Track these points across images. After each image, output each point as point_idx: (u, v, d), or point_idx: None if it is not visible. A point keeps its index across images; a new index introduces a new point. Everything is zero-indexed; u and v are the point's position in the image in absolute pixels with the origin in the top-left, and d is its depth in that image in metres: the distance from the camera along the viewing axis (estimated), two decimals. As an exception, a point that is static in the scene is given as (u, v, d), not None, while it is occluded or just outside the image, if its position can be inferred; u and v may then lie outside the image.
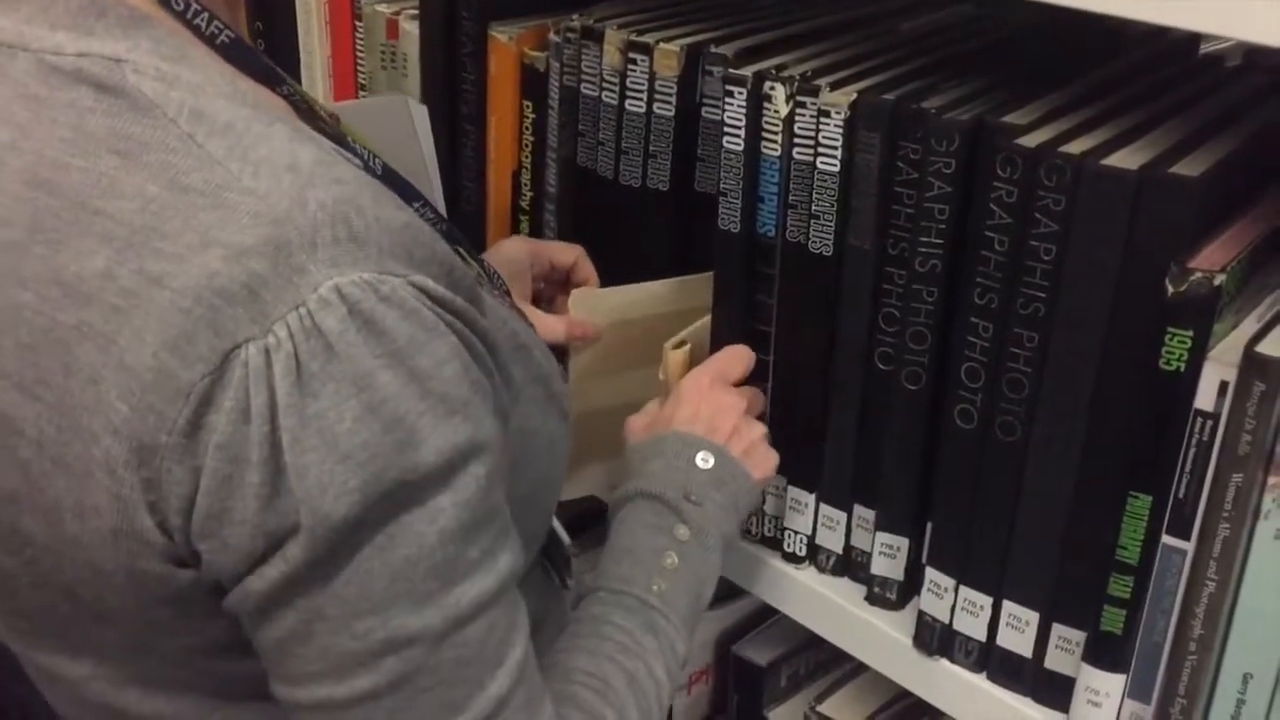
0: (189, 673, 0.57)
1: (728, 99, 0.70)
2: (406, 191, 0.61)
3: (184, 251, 0.47)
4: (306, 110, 0.58)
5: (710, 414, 0.73)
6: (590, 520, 0.90)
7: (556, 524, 0.73)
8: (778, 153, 0.70)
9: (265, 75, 0.56)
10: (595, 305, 0.80)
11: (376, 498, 0.48)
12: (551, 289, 0.86)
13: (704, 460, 0.71)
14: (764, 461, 0.74)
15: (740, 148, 0.71)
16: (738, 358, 0.76)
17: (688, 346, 0.76)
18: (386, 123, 0.77)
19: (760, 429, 0.74)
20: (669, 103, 0.75)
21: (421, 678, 0.51)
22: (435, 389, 0.49)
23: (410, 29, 0.90)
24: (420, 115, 0.79)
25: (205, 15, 0.54)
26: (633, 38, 0.76)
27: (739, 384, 0.75)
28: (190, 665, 0.56)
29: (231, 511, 0.48)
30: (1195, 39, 0.81)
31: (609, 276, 0.83)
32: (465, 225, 0.91)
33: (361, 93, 0.96)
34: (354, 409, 0.47)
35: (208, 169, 0.49)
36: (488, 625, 0.53)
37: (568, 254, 0.84)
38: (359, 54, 0.95)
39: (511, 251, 0.83)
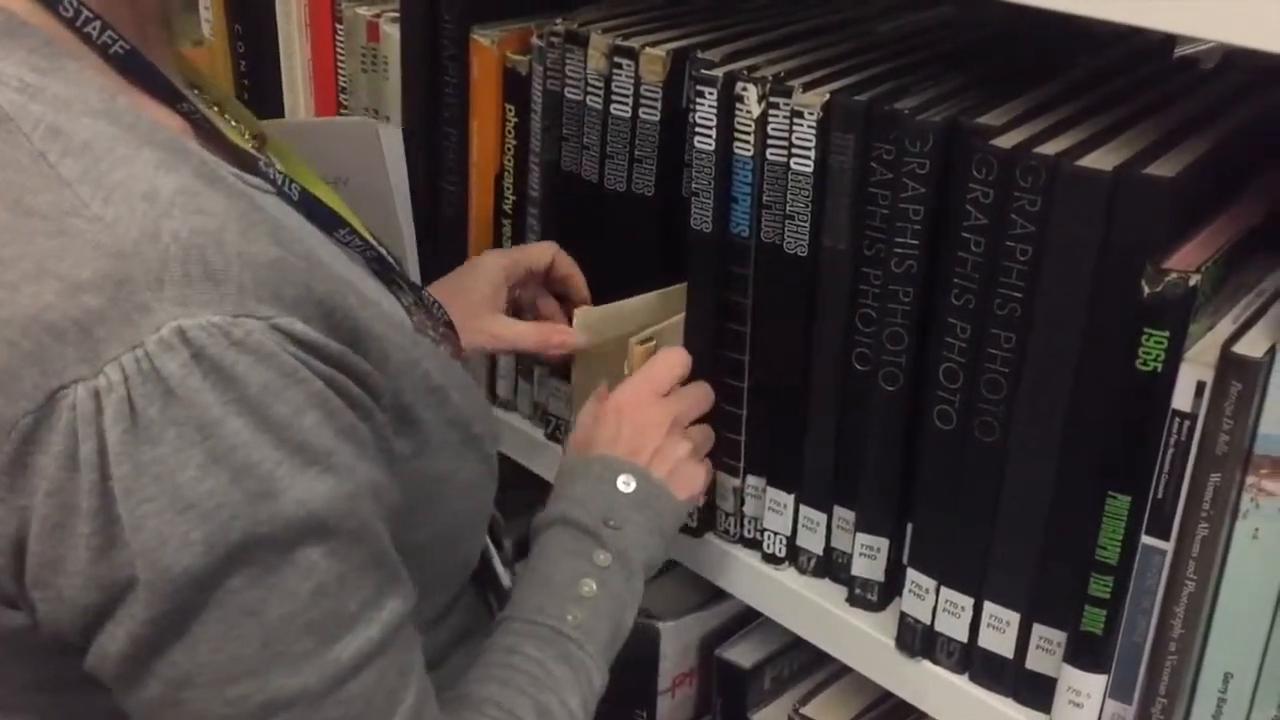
0: (34, 706, 0.54)
1: (698, 99, 0.70)
2: (328, 221, 0.59)
3: (17, 280, 0.45)
4: (210, 131, 0.55)
5: (631, 434, 0.71)
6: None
7: (496, 558, 0.73)
8: (750, 153, 0.70)
9: (163, 91, 0.54)
10: (599, 322, 0.79)
11: (226, 551, 0.46)
12: (533, 290, 0.86)
13: (625, 484, 0.70)
14: (690, 480, 0.73)
15: (711, 148, 0.71)
16: (667, 367, 0.74)
17: (654, 343, 0.76)
18: (353, 145, 0.77)
19: (686, 446, 0.73)
20: (654, 107, 0.75)
21: None
22: (292, 438, 0.47)
23: (391, 32, 0.89)
24: (392, 140, 0.78)
25: (98, 24, 0.52)
26: (618, 42, 0.76)
27: (686, 381, 0.75)
28: (34, 699, 0.54)
29: (64, 561, 0.46)
30: (1170, 40, 0.81)
31: (593, 281, 0.83)
32: (447, 229, 0.91)
33: (342, 95, 0.96)
34: (197, 457, 0.45)
35: (55, 191, 0.46)
36: (376, 676, 0.51)
37: (543, 254, 0.83)
38: (339, 57, 0.95)
39: (487, 267, 0.82)
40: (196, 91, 0.61)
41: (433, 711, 0.56)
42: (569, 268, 0.83)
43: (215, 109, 0.61)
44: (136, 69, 0.53)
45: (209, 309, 0.45)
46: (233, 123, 0.62)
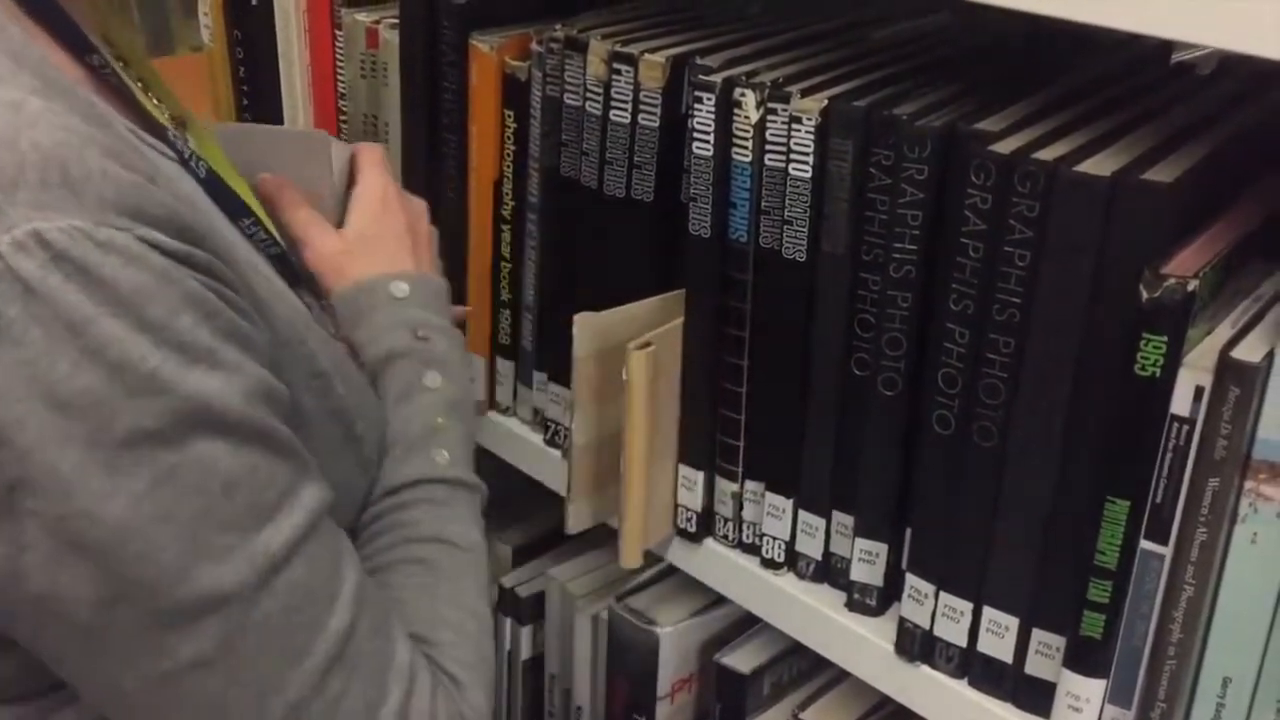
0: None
1: (697, 105, 0.70)
2: (234, 207, 0.59)
3: None
4: (120, 90, 0.54)
5: (399, 237, 0.73)
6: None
7: None
8: (749, 159, 0.70)
9: (70, 38, 0.53)
10: (598, 327, 0.79)
11: (112, 448, 0.45)
12: None
13: (400, 290, 0.70)
14: (433, 254, 0.75)
15: (710, 153, 0.71)
16: (379, 173, 0.75)
17: (651, 348, 0.76)
18: (302, 156, 0.78)
19: (424, 227, 0.76)
20: (654, 113, 0.76)
21: (250, 634, 0.49)
22: (172, 338, 0.46)
23: (390, 38, 0.89)
24: (341, 156, 0.79)
25: None
26: (617, 48, 0.76)
27: None
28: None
29: None
30: (1167, 47, 0.81)
31: (592, 287, 0.83)
32: (446, 235, 0.91)
33: (341, 102, 0.96)
34: (70, 354, 0.44)
35: None
36: (307, 563, 0.51)
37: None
38: (338, 63, 0.95)
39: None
40: (123, 65, 0.59)
41: (374, 595, 0.55)
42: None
43: (139, 85, 0.59)
44: (43, 10, 0.52)
45: (68, 215, 0.44)
46: (155, 101, 0.60)
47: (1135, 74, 0.76)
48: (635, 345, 0.75)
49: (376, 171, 0.76)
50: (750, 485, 0.78)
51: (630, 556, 0.80)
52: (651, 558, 0.85)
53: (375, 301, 0.70)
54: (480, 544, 0.66)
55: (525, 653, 1.03)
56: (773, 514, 0.77)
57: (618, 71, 0.76)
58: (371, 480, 0.65)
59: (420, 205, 0.79)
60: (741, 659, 0.87)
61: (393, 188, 0.77)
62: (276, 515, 0.50)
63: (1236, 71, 0.77)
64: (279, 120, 1.01)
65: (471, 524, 0.66)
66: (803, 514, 0.76)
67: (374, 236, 0.73)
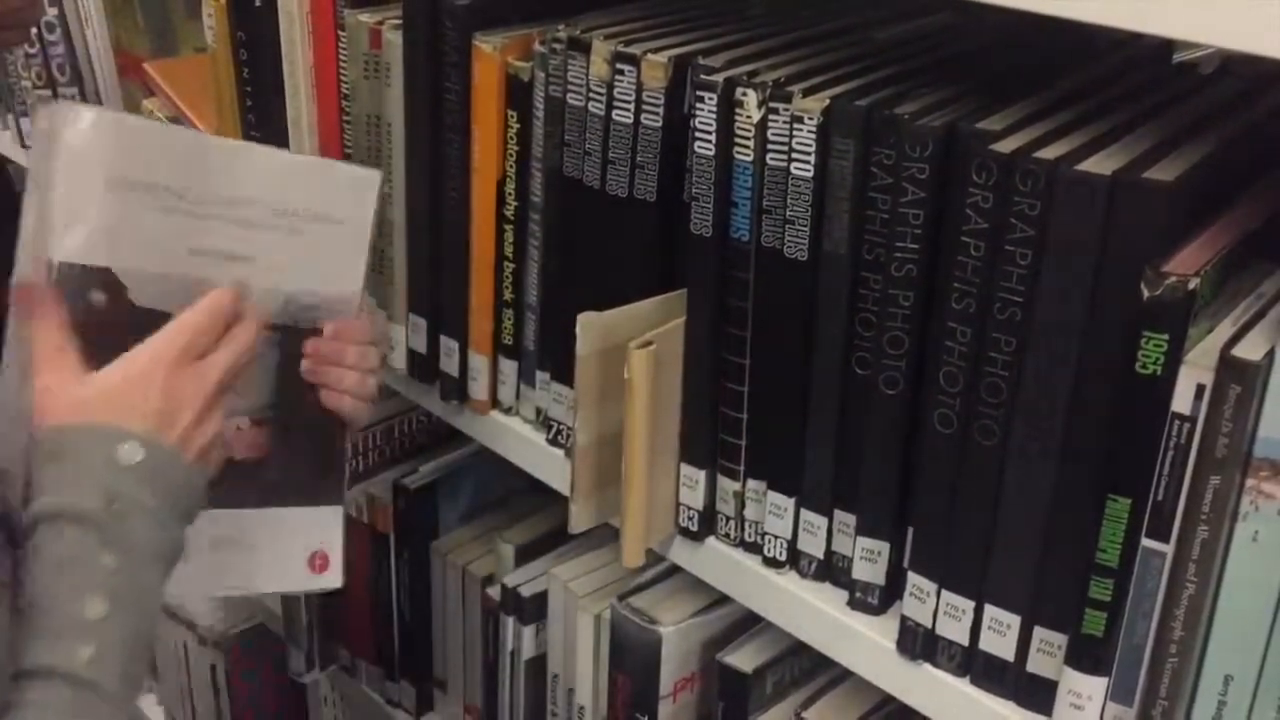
0: None
1: (699, 105, 0.71)
2: None
3: None
4: None
5: (168, 408, 0.60)
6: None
7: None
8: (750, 158, 0.70)
9: None
10: (601, 327, 0.79)
11: None
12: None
13: (129, 453, 0.58)
14: (215, 458, 0.64)
15: (711, 153, 0.71)
16: (207, 321, 0.64)
17: (653, 347, 0.76)
18: (346, 191, 0.79)
19: (218, 419, 0.63)
20: (656, 113, 0.76)
21: None
22: None
23: (393, 39, 0.90)
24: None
25: None
26: (620, 49, 0.76)
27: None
28: None
29: None
30: (1168, 46, 0.81)
31: (594, 286, 0.83)
32: (449, 235, 0.91)
33: (344, 102, 0.96)
34: None
35: None
36: None
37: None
38: (342, 64, 0.95)
39: None
40: None
41: None
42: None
43: None
44: None
45: None
46: None
47: (1136, 73, 0.76)
48: (636, 344, 0.75)
49: (194, 318, 0.65)
50: (752, 484, 0.78)
51: (632, 556, 0.80)
52: (653, 557, 0.85)
53: (83, 449, 0.59)
54: None
55: (528, 652, 1.04)
56: (775, 513, 0.78)
57: (620, 72, 0.76)
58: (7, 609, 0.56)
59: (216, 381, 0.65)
60: (744, 658, 0.87)
61: (201, 347, 0.65)
62: None
63: (1237, 71, 0.77)
64: (282, 123, 1.01)
65: None
66: (805, 513, 0.76)
67: (128, 395, 0.61)
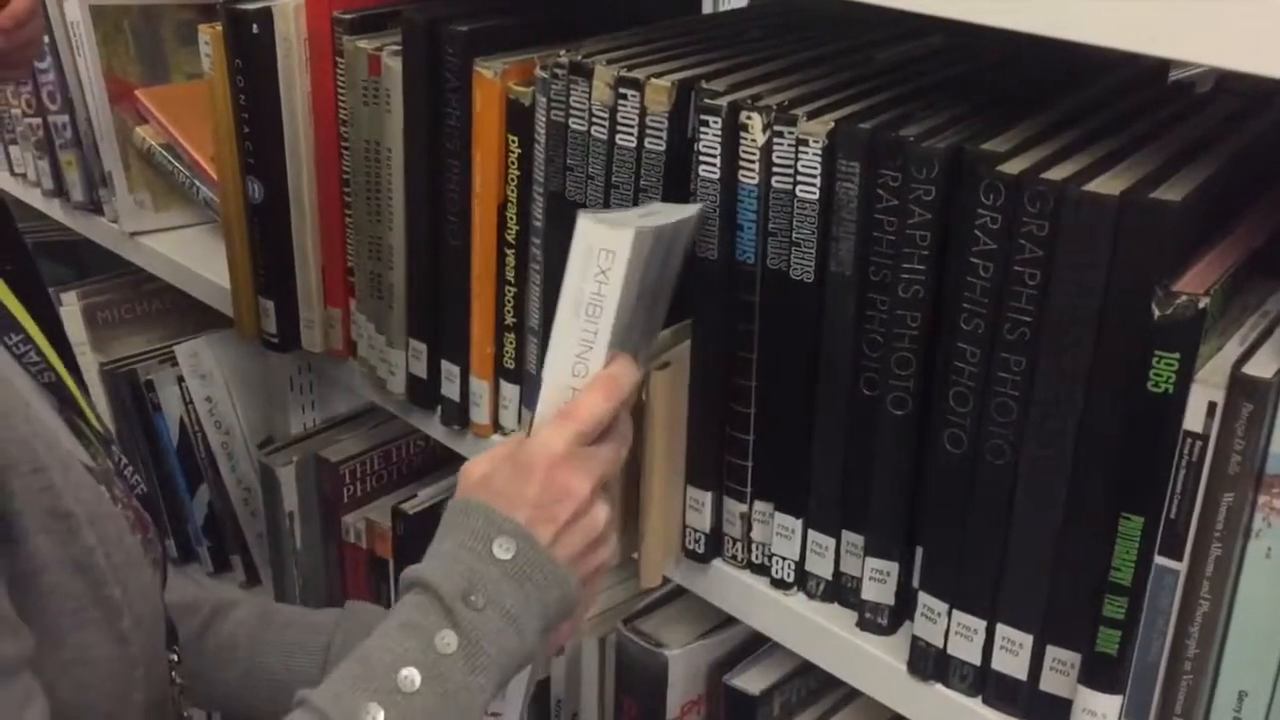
0: None
1: (703, 129, 0.71)
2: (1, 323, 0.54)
3: None
4: None
5: (547, 499, 0.58)
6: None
7: None
8: (755, 181, 0.70)
9: None
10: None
11: None
12: None
13: (503, 548, 0.57)
14: (599, 565, 0.61)
15: (716, 176, 0.71)
16: (599, 406, 0.60)
17: (671, 366, 0.76)
18: (684, 235, 0.72)
19: (604, 513, 0.60)
20: (660, 138, 0.76)
21: None
22: None
23: (393, 65, 0.90)
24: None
25: None
26: (623, 73, 0.76)
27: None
28: None
29: None
30: (1164, 65, 0.82)
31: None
32: (450, 260, 0.91)
33: (343, 129, 0.96)
34: None
35: None
36: None
37: None
38: (340, 90, 0.95)
39: None
40: None
41: None
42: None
43: None
44: None
45: None
46: None
47: (1134, 93, 0.77)
48: (655, 365, 0.75)
49: (571, 425, 0.61)
50: (759, 505, 0.78)
51: (650, 576, 0.80)
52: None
53: (464, 529, 0.58)
54: None
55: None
56: (782, 534, 0.78)
57: (623, 96, 0.76)
58: (134, 660, 0.55)
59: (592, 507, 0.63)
60: (751, 680, 0.87)
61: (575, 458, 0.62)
62: None
63: (1233, 89, 0.77)
64: (280, 150, 1.00)
65: None
66: (812, 534, 0.76)
67: (514, 493, 0.60)
